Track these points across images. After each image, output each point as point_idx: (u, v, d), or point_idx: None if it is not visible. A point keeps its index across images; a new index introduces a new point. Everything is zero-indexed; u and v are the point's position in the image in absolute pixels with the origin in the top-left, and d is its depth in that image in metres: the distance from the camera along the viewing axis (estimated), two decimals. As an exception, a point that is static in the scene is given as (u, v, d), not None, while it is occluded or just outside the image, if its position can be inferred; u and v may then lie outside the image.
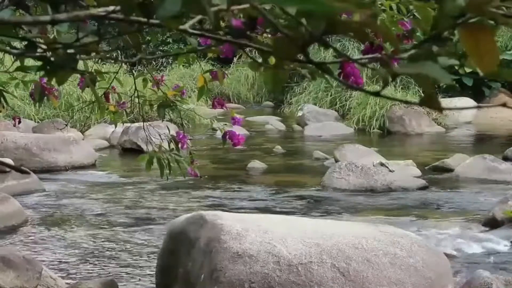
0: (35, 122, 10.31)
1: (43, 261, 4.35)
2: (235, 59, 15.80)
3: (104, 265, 4.47)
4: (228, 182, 7.12)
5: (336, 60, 0.91)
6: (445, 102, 11.45)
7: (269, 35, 1.10)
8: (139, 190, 6.76)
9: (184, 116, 8.93)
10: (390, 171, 6.82)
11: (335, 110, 12.54)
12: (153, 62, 14.53)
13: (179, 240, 3.51)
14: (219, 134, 3.56)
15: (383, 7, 1.96)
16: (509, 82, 11.30)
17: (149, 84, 2.74)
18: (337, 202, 6.24)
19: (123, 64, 6.10)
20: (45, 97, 2.27)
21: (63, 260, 4.57)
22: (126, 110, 3.04)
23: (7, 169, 6.31)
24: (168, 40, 16.42)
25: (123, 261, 4.54)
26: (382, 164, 6.92)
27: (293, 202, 6.26)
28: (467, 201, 6.22)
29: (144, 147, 8.29)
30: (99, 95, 2.58)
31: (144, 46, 1.51)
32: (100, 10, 0.96)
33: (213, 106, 2.80)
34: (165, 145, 2.70)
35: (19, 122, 3.56)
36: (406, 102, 0.95)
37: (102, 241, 4.99)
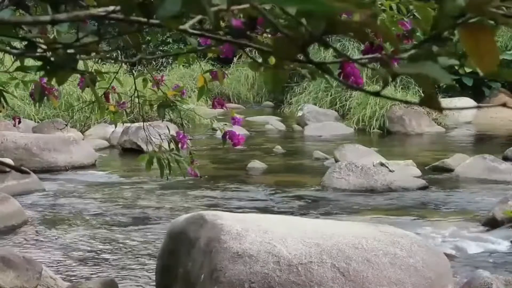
0: (35, 122, 10.31)
1: (43, 261, 4.34)
2: (235, 59, 15.80)
3: (104, 265, 4.47)
4: (228, 182, 7.12)
5: (336, 60, 0.91)
6: (445, 102, 11.45)
7: (269, 35, 1.10)
8: (139, 190, 6.76)
9: (184, 116, 8.93)
10: (390, 171, 6.82)
11: (335, 110, 12.55)
12: (153, 62, 14.53)
13: (179, 240, 3.51)
14: (219, 134, 3.56)
15: (383, 7, 1.96)
16: (509, 82, 11.30)
17: (149, 84, 2.74)
18: (337, 202, 6.24)
19: (123, 64, 6.10)
20: (45, 97, 2.27)
21: (63, 260, 4.57)
22: (126, 110, 3.04)
23: (7, 169, 6.31)
24: (168, 40, 16.42)
25: (123, 261, 4.54)
26: (382, 164, 6.92)
27: (293, 202, 6.26)
28: (467, 201, 6.22)
29: (144, 147, 8.29)
30: (99, 95, 2.58)
31: (144, 46, 1.51)
32: (100, 10, 0.96)
33: (213, 106, 2.80)
34: (165, 145, 2.70)
35: (19, 122, 3.56)
36: (406, 102, 0.95)
37: (102, 241, 4.99)
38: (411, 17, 1.80)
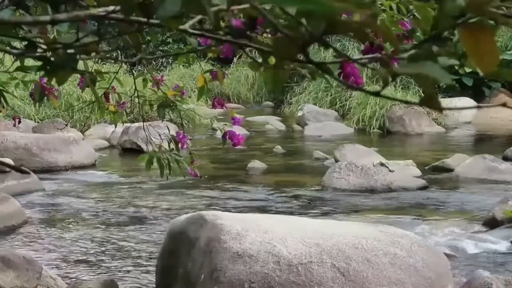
0: (35, 122, 10.31)
1: (43, 261, 4.35)
2: (235, 59, 15.81)
3: (104, 265, 4.47)
4: (228, 182, 7.12)
5: (336, 60, 0.91)
6: (445, 102, 11.45)
7: (269, 35, 1.10)
8: (139, 190, 6.76)
9: (184, 116, 8.93)
10: (390, 171, 6.82)
11: (335, 110, 12.55)
12: (153, 62, 14.53)
13: (179, 240, 3.51)
14: (219, 134, 3.56)
15: (383, 7, 1.96)
16: (509, 82, 11.30)
17: (149, 84, 2.74)
18: (337, 202, 6.24)
19: (123, 64, 6.10)
20: (45, 97, 2.27)
21: (63, 260, 4.57)
22: (126, 110, 3.04)
23: (7, 169, 6.31)
24: (168, 40, 16.43)
25: (123, 261, 4.54)
26: (382, 164, 6.92)
27: (293, 202, 6.26)
28: (467, 201, 6.22)
29: (144, 147, 8.29)
30: (99, 95, 2.58)
31: (144, 46, 1.51)
32: (100, 10, 0.96)
33: (213, 106, 2.80)
34: (165, 145, 2.70)
35: (19, 122, 3.56)
36: (406, 102, 0.95)
37: (102, 241, 4.99)
38: (411, 17, 1.80)
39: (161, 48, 16.43)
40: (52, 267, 4.31)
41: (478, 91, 12.66)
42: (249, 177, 7.54)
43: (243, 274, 3.02)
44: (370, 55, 0.94)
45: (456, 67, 7.97)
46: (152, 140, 2.84)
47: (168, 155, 2.60)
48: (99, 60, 5.56)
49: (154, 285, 3.81)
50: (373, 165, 6.89)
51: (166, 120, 4.14)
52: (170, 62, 15.76)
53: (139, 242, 4.99)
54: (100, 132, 10.13)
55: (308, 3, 0.64)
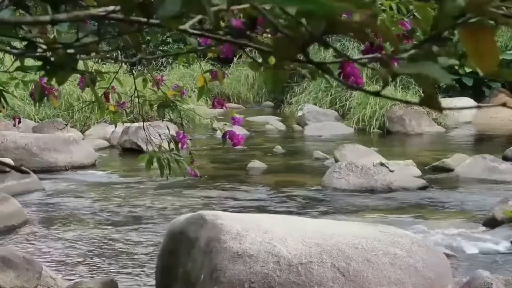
0: (35, 122, 10.31)
1: (43, 261, 4.35)
2: (235, 59, 15.80)
3: (104, 265, 4.47)
4: (228, 182, 7.12)
5: (336, 60, 0.91)
6: (445, 102, 11.44)
7: (269, 35, 1.10)
8: (139, 190, 6.76)
9: (184, 116, 8.92)
10: (390, 171, 6.82)
11: (335, 110, 12.55)
12: (153, 62, 14.53)
13: (179, 240, 3.51)
14: (219, 134, 3.56)
15: (383, 7, 1.96)
16: (509, 82, 11.30)
17: (149, 84, 2.74)
18: (337, 202, 6.24)
19: (123, 64, 6.10)
20: (45, 97, 2.27)
21: (63, 260, 4.57)
22: (126, 110, 3.04)
23: (7, 169, 6.31)
24: (168, 40, 16.42)
25: (123, 261, 4.54)
26: (382, 164, 6.92)
27: (293, 202, 6.26)
28: (467, 201, 6.22)
29: (144, 147, 8.29)
30: (99, 95, 2.58)
31: (144, 46, 1.51)
32: (100, 10, 0.96)
33: (213, 106, 2.80)
34: (165, 145, 2.70)
35: (19, 122, 3.56)
36: (406, 102, 0.95)
37: (102, 241, 4.99)
38: (411, 17, 1.80)
39: (161, 48, 16.42)
40: (52, 267, 4.31)
41: (478, 91, 12.66)
42: (249, 177, 7.54)
43: (243, 274, 3.02)
44: (370, 55, 0.94)
45: (456, 67, 7.98)
46: (152, 140, 2.84)
47: (168, 155, 2.60)
48: (99, 60, 5.56)
49: (154, 285, 3.81)
50: (373, 165, 6.89)
51: (166, 120, 4.14)
52: (170, 62, 15.76)
53: (139, 242, 4.99)
54: (100, 132, 10.13)
55: (308, 3, 0.64)
